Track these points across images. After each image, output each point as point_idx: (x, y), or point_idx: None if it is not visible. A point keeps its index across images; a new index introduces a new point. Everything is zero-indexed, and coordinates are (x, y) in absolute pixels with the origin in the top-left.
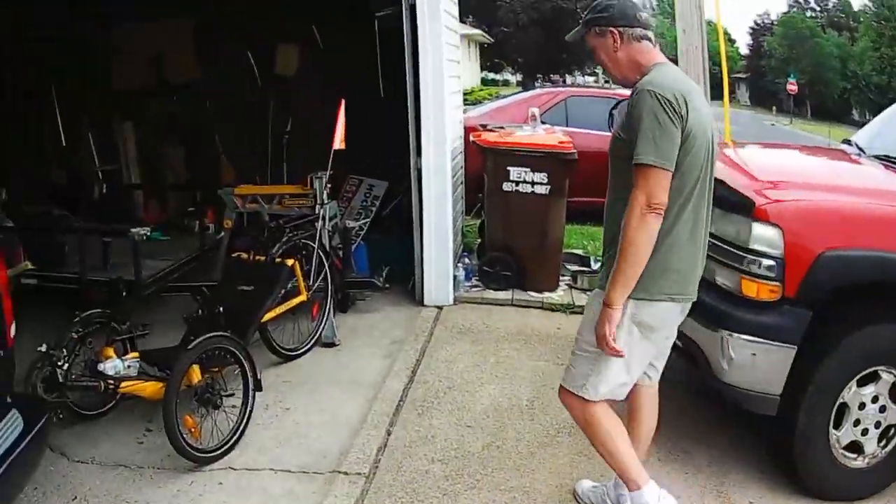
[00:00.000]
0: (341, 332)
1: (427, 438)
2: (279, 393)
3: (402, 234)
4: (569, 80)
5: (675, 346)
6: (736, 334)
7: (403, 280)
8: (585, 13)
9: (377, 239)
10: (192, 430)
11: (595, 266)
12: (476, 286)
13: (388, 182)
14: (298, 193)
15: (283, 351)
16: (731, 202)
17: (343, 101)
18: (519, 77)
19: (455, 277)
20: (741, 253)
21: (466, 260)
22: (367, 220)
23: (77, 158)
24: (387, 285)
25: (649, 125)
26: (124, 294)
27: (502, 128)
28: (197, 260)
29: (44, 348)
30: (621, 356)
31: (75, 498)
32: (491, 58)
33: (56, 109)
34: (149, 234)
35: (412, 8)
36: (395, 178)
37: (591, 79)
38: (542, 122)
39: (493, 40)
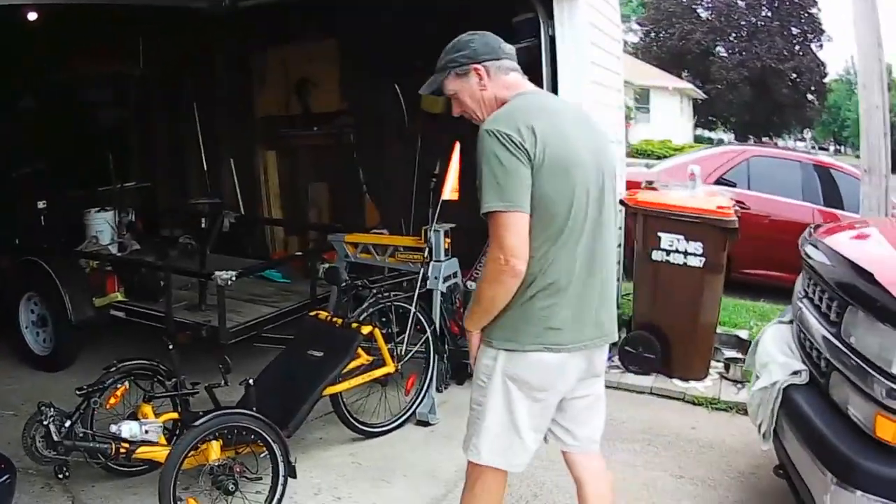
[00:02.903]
0: (444, 409)
1: None
2: (340, 476)
3: None
4: (780, 143)
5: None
6: (856, 490)
7: None
8: (440, 59)
9: None
10: None
11: None
12: (616, 367)
13: None
14: (412, 247)
15: (359, 426)
16: (877, 305)
17: (458, 146)
18: (731, 136)
19: None
20: (881, 378)
21: None
22: None
23: (217, 186)
24: None
25: (489, 167)
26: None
27: (666, 186)
28: (307, 308)
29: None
30: None
31: None
32: (705, 115)
33: (199, 133)
34: (234, 278)
35: (551, 40)
36: None
37: (801, 143)
38: (724, 183)
39: (706, 96)
